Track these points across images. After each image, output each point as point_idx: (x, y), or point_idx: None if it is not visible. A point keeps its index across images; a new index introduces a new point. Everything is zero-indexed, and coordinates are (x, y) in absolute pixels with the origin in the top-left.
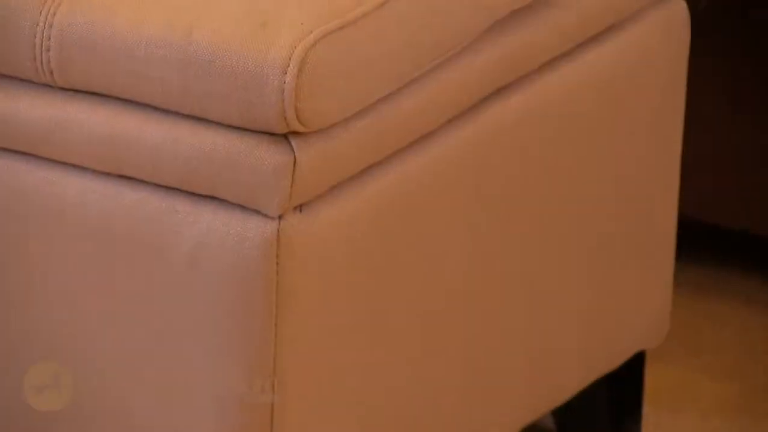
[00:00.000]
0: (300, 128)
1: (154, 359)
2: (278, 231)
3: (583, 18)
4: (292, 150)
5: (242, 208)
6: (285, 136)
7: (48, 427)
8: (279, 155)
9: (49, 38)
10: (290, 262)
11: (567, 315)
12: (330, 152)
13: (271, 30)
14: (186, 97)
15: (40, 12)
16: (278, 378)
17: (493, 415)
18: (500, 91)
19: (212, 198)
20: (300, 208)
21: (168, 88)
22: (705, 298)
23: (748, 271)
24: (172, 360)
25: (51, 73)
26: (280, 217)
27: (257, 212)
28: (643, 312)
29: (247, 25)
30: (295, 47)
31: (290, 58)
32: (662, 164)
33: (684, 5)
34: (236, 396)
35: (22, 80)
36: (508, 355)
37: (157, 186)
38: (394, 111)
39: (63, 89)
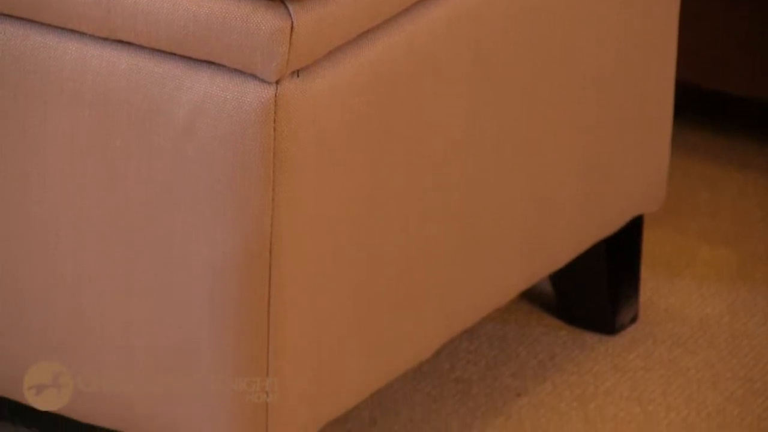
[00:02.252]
0: None
1: (151, 226)
2: (275, 96)
3: None
4: (290, 14)
5: (239, 73)
6: (282, 1)
7: (47, 291)
8: (276, 20)
9: None
10: (287, 127)
11: (564, 180)
12: (327, 17)
13: None
14: None
15: None
16: (275, 242)
17: (491, 281)
18: None
19: (209, 63)
20: (297, 73)
21: None
22: (702, 162)
23: (745, 135)
24: (168, 226)
25: None
26: (277, 83)
27: (254, 77)
28: (640, 177)
29: None
30: None
31: None
32: (660, 28)
33: None
34: (232, 261)
35: None
36: (505, 221)
37: (154, 51)
38: None
39: None
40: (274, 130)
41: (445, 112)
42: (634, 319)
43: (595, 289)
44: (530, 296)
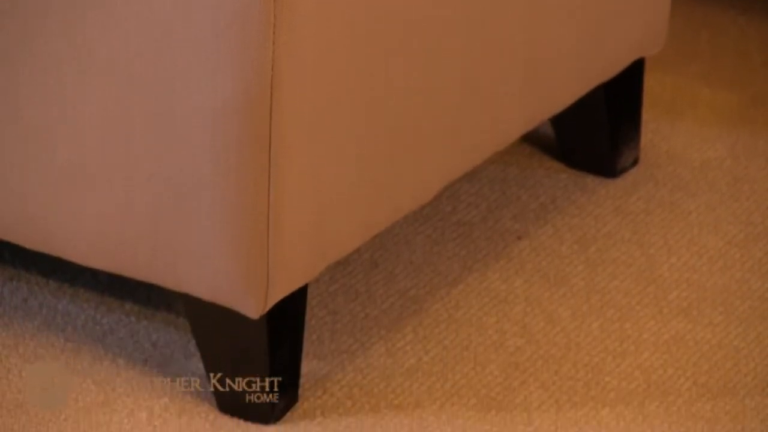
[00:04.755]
0: None
1: (152, 70)
2: None
3: None
4: None
5: None
6: None
7: (48, 135)
8: None
9: None
10: None
11: (565, 23)
12: None
13: None
14: None
15: None
16: (275, 86)
17: (492, 124)
18: None
19: None
20: None
21: None
22: (704, 5)
23: None
24: (169, 70)
25: None
26: None
27: None
28: (641, 19)
29: None
30: None
31: None
32: None
33: None
34: (233, 105)
35: None
36: (505, 63)
37: None
38: None
39: None
40: None
41: None
42: (635, 162)
43: (597, 131)
44: (531, 139)
